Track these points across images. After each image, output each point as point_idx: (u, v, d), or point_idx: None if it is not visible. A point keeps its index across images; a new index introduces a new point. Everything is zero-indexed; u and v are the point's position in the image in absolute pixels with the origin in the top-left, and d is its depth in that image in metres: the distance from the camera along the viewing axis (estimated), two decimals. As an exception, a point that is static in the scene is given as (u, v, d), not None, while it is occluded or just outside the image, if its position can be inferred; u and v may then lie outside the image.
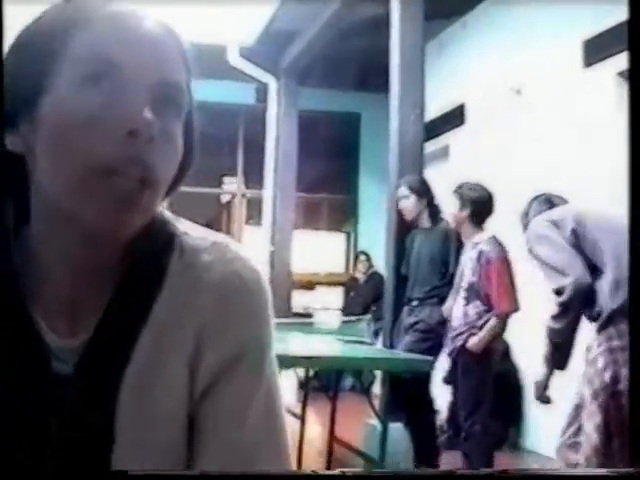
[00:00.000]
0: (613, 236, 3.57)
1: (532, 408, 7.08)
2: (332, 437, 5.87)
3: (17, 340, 1.04)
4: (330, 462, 5.80)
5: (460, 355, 5.39)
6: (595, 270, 3.63)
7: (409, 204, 5.90)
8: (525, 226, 4.20)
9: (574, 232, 3.69)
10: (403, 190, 5.93)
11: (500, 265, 5.22)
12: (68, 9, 1.02)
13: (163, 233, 1.11)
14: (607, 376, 3.39)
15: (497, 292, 5.23)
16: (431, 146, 8.19)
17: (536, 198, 4.30)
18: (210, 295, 1.08)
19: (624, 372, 3.32)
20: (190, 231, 1.14)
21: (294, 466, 1.16)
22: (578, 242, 3.67)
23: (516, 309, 5.19)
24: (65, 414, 1.04)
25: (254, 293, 1.11)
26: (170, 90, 1.02)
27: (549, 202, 4.16)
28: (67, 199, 0.98)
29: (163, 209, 1.15)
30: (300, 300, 11.18)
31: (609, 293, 3.53)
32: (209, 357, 1.07)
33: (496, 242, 5.28)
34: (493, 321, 5.22)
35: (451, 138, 8.94)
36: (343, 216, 12.62)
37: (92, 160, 0.96)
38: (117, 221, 0.99)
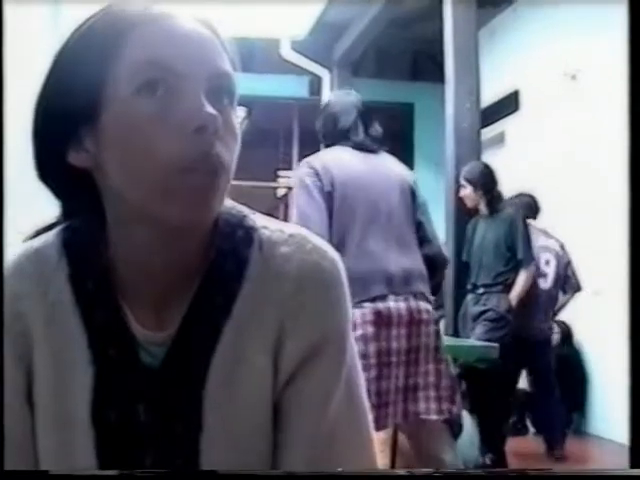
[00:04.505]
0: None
1: (596, 393, 7.06)
2: (396, 427, 5.87)
3: (108, 330, 1.09)
4: (395, 450, 5.80)
5: None
6: None
7: (467, 193, 5.94)
8: None
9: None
10: (461, 180, 5.97)
11: None
12: (112, 17, 1.05)
13: (242, 227, 1.14)
14: None
15: None
16: (487, 133, 8.17)
17: None
18: (290, 286, 1.10)
19: None
20: (268, 224, 1.16)
21: (375, 454, 1.16)
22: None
23: None
24: (153, 403, 1.08)
25: (333, 282, 1.12)
26: (222, 80, 1.04)
27: None
28: (149, 202, 1.01)
29: (240, 205, 1.19)
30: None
31: None
32: (291, 346, 1.09)
33: None
34: None
35: (507, 124, 8.90)
36: (399, 206, 12.57)
37: (166, 161, 0.98)
38: (199, 213, 1.02)
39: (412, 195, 3.61)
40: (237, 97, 1.08)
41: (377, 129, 3.67)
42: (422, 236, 3.60)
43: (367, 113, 3.67)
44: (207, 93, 1.01)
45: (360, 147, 3.56)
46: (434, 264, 3.60)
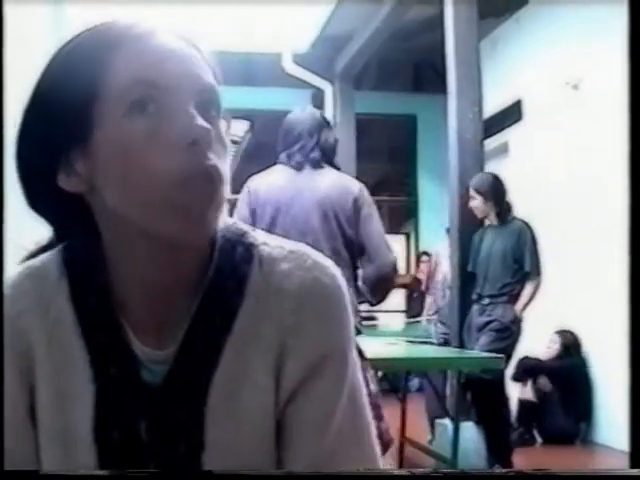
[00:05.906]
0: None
1: (603, 402, 7.04)
2: (403, 438, 5.89)
3: (109, 349, 1.09)
4: (401, 462, 5.81)
5: None
6: None
7: (476, 204, 5.94)
8: None
9: None
10: (471, 191, 5.96)
11: None
12: (97, 36, 1.05)
13: (242, 244, 1.14)
14: None
15: None
16: (490, 143, 8.18)
17: None
18: (290, 302, 1.09)
19: None
20: (268, 241, 1.16)
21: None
22: None
23: None
24: (155, 421, 1.08)
25: (334, 298, 1.12)
26: (209, 94, 1.05)
27: None
28: (149, 220, 1.01)
29: (239, 221, 1.19)
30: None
31: None
32: (292, 365, 1.09)
33: None
34: None
35: (510, 134, 8.91)
36: (403, 218, 12.61)
37: (165, 176, 0.98)
38: (199, 227, 1.02)
39: (354, 209, 3.65)
40: (222, 109, 1.08)
41: (329, 140, 3.78)
42: (368, 253, 3.66)
43: (321, 125, 3.75)
44: (196, 107, 1.02)
45: (297, 166, 3.68)
46: (377, 279, 3.66)
